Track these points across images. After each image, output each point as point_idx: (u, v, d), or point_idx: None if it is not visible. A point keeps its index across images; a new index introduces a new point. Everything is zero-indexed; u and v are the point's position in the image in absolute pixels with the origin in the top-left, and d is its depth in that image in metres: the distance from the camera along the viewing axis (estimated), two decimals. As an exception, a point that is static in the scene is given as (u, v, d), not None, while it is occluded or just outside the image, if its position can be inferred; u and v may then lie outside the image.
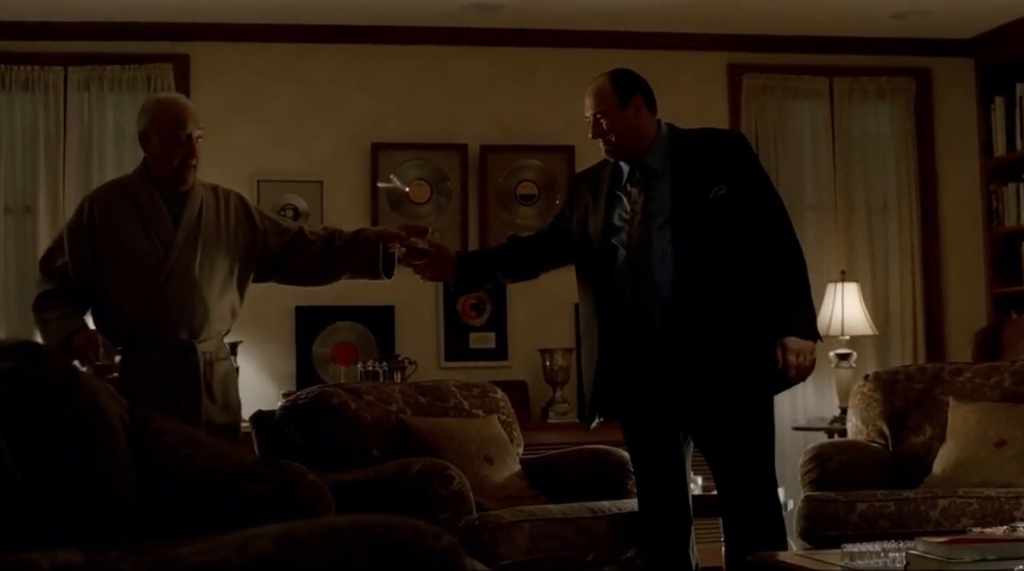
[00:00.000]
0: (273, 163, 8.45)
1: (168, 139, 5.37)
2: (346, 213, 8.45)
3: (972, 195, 9.21)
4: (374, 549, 2.43)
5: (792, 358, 5.21)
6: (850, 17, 8.64)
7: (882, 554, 4.43)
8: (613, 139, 5.36)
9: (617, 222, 5.37)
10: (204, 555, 2.49)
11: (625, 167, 5.42)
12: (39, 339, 5.34)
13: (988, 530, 4.66)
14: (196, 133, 5.40)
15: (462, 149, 8.62)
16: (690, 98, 8.82)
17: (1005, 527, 4.67)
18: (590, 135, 5.43)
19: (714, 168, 5.31)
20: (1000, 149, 9.03)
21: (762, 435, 5.34)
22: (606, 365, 5.36)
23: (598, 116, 5.38)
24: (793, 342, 5.22)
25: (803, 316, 5.31)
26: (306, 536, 2.49)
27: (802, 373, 5.26)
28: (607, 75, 5.49)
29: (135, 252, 5.33)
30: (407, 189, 8.55)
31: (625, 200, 5.38)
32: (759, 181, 5.37)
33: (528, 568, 5.66)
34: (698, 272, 5.22)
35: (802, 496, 6.52)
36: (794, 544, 6.57)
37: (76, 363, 5.07)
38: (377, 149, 8.52)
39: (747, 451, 5.30)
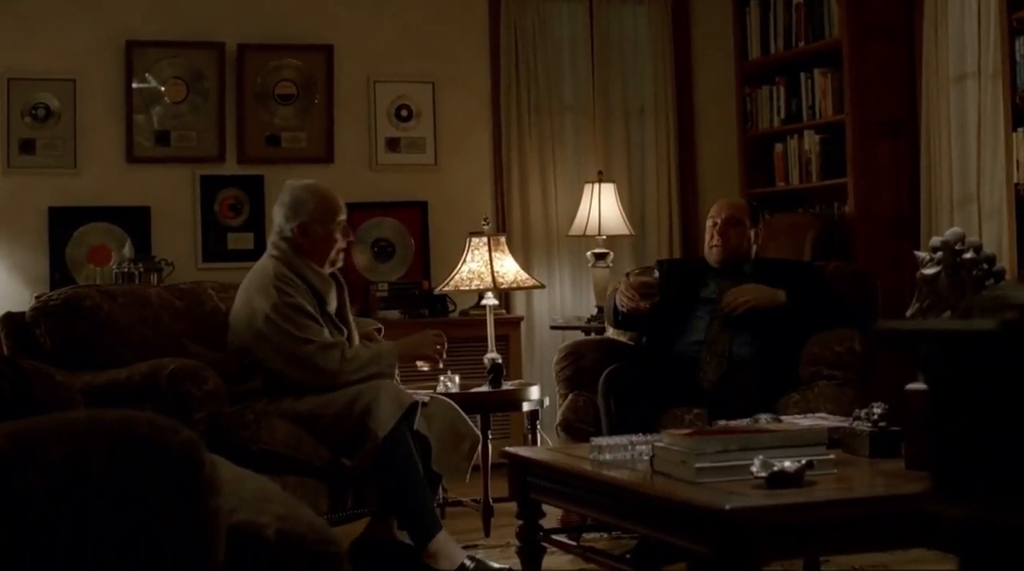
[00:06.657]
0: (24, 61, 8.22)
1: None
2: (100, 113, 8.29)
3: (727, 98, 9.37)
4: (111, 445, 2.42)
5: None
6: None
7: (630, 447, 4.53)
8: (729, 246, 6.48)
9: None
10: (-65, 454, 2.44)
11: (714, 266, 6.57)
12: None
13: (732, 423, 4.79)
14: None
15: (219, 47, 8.48)
16: (450, 1, 8.83)
17: (748, 419, 4.80)
18: (714, 239, 6.56)
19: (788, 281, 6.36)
20: (755, 53, 9.20)
21: None
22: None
23: (730, 222, 6.49)
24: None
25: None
26: (42, 433, 2.46)
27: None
28: (745, 199, 7.12)
29: None
30: (163, 88, 8.40)
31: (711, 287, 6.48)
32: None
33: (283, 460, 5.62)
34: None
35: (562, 391, 6.62)
36: (558, 437, 6.69)
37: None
38: (132, 47, 8.33)
39: None
